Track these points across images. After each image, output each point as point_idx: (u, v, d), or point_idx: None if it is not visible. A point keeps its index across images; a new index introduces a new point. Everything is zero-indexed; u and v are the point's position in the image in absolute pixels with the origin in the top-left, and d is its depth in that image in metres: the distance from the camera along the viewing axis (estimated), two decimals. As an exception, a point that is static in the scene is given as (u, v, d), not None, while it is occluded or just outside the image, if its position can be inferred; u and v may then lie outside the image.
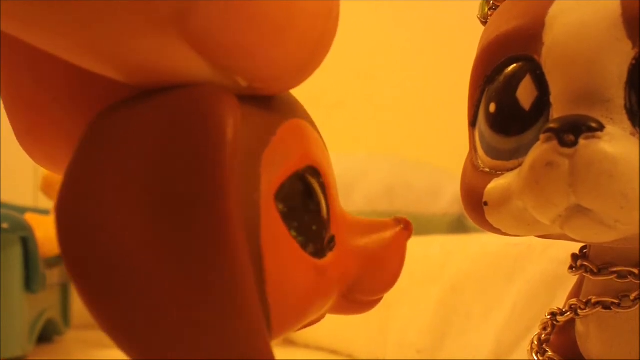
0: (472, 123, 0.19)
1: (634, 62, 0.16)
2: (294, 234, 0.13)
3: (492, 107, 0.18)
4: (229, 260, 0.11)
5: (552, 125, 0.16)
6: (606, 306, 0.18)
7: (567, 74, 0.16)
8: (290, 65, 0.12)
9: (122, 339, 0.11)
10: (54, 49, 0.11)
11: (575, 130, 0.15)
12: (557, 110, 0.17)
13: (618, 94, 0.16)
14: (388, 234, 0.16)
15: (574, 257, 0.20)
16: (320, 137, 0.15)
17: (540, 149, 0.16)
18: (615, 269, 0.18)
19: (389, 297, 0.17)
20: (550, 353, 0.20)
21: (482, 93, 0.19)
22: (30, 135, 0.14)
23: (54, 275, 0.64)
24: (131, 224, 0.11)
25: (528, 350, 0.21)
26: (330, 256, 0.14)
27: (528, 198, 0.16)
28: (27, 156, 0.15)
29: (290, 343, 0.66)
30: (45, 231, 0.60)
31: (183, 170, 0.11)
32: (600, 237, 0.16)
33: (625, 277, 0.18)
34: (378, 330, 0.55)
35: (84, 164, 0.11)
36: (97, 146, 0.11)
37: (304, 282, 0.13)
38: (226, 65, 0.12)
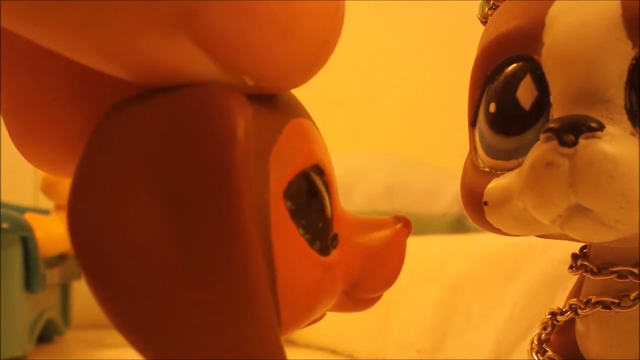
0: (472, 123, 0.19)
1: (634, 62, 0.16)
2: (301, 231, 0.13)
3: (492, 107, 0.18)
4: (243, 258, 0.11)
5: (552, 125, 0.16)
6: (606, 306, 0.18)
7: (567, 74, 0.17)
8: (297, 65, 0.12)
9: (136, 337, 0.11)
10: (61, 48, 0.11)
11: (575, 130, 0.15)
12: (557, 110, 0.17)
13: (618, 94, 0.16)
14: (388, 231, 0.16)
15: (574, 256, 0.20)
16: (321, 136, 0.15)
17: (540, 149, 0.16)
18: (615, 269, 0.18)
19: (389, 297, 0.17)
20: (550, 353, 0.20)
21: (482, 93, 0.19)
22: (27, 136, 0.14)
23: (54, 275, 0.64)
24: (144, 223, 0.11)
25: (528, 350, 0.21)
26: (334, 254, 0.15)
27: (528, 198, 0.16)
28: (27, 156, 0.15)
29: (290, 343, 0.66)
30: (45, 231, 0.60)
31: (195, 168, 0.11)
32: (600, 237, 0.16)
33: (625, 276, 0.18)
34: (378, 330, 0.55)
35: (94, 162, 0.11)
36: (107, 144, 0.11)
37: (312, 279, 0.14)
38: (233, 64, 0.12)
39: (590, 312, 0.19)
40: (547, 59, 0.17)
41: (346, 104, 1.03)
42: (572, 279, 0.21)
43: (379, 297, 0.17)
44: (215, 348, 0.11)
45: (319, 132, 0.15)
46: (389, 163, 0.90)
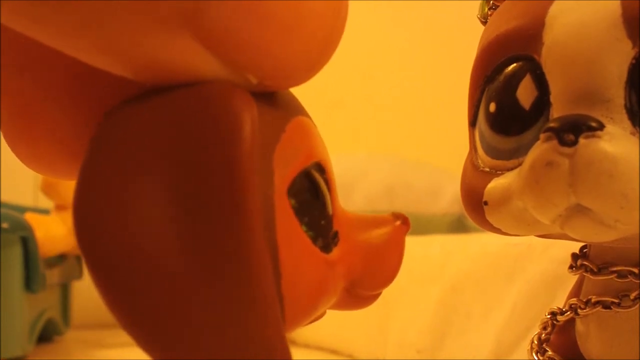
0: (472, 123, 0.19)
1: (634, 61, 0.16)
2: (304, 228, 0.13)
3: (492, 107, 0.18)
4: (249, 256, 0.11)
5: (552, 125, 0.16)
6: (606, 306, 0.18)
7: (567, 73, 0.17)
8: (300, 63, 0.13)
9: (142, 336, 0.11)
10: (64, 47, 0.11)
11: (575, 129, 0.15)
12: (557, 110, 0.17)
13: (618, 94, 0.16)
14: (387, 229, 0.16)
15: (574, 256, 0.20)
16: (319, 134, 0.15)
17: (540, 149, 0.16)
18: (615, 269, 0.18)
19: (389, 296, 0.17)
20: (550, 353, 0.20)
21: (482, 93, 0.19)
22: (23, 137, 0.14)
23: (54, 275, 0.64)
24: (150, 222, 0.11)
25: (528, 350, 0.21)
26: (335, 251, 0.15)
27: (528, 198, 0.16)
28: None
29: (290, 343, 0.66)
30: (45, 231, 0.60)
31: (202, 167, 0.11)
32: (600, 236, 0.16)
33: (625, 276, 0.18)
34: (378, 330, 0.55)
35: (99, 161, 0.11)
36: (111, 143, 0.12)
37: (316, 276, 0.14)
38: (237, 62, 0.12)
39: (590, 312, 0.19)
40: (547, 59, 0.17)
41: (346, 103, 1.03)
42: (572, 279, 0.21)
43: (378, 295, 0.17)
44: (221, 346, 0.11)
45: (318, 130, 0.15)
46: (389, 163, 0.90)
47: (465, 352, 0.46)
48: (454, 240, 0.56)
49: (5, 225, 0.56)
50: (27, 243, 0.58)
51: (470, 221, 0.19)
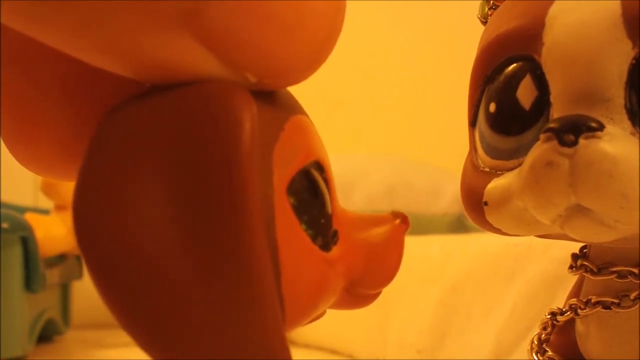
0: (472, 123, 0.19)
1: (634, 62, 0.16)
2: (304, 227, 0.13)
3: (492, 107, 0.18)
4: (250, 256, 0.11)
5: (552, 125, 0.16)
6: (606, 306, 0.18)
7: (567, 73, 0.17)
8: (299, 61, 0.13)
9: (141, 336, 0.11)
10: (64, 46, 0.11)
11: (575, 130, 0.15)
12: (557, 110, 0.17)
13: (618, 94, 0.16)
14: (386, 227, 0.16)
15: (574, 256, 0.20)
16: (318, 133, 0.15)
17: (540, 149, 0.16)
18: (615, 269, 0.18)
19: (389, 296, 0.17)
20: (550, 353, 0.20)
21: (482, 93, 0.19)
22: (21, 138, 0.14)
23: (54, 275, 0.64)
24: (149, 221, 0.11)
25: (528, 350, 0.21)
26: (335, 250, 0.15)
27: (528, 198, 0.16)
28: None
29: (290, 343, 0.66)
30: (45, 231, 0.60)
31: (201, 166, 0.11)
32: (600, 237, 0.16)
33: (625, 276, 0.18)
34: (378, 330, 0.55)
35: (98, 161, 0.11)
36: (111, 143, 0.12)
37: (315, 275, 0.14)
38: (236, 61, 0.12)
39: (590, 312, 0.19)
40: (547, 59, 0.17)
41: (346, 103, 1.04)
42: (572, 279, 0.21)
43: (378, 294, 0.17)
44: (221, 346, 0.11)
45: (316, 129, 0.15)
46: (389, 163, 0.90)
47: (465, 352, 0.46)
48: (454, 240, 0.56)
49: (5, 225, 0.56)
50: (27, 243, 0.58)
51: (470, 221, 0.19)
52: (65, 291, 0.73)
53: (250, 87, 0.12)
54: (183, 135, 0.11)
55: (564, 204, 0.16)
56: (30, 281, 0.58)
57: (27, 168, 0.14)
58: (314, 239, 0.14)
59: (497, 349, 0.43)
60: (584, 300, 0.19)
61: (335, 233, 0.15)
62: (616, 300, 0.18)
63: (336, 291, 0.15)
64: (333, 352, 0.63)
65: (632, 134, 0.16)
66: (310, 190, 0.14)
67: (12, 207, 0.66)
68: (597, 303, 0.19)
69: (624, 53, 0.16)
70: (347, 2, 0.13)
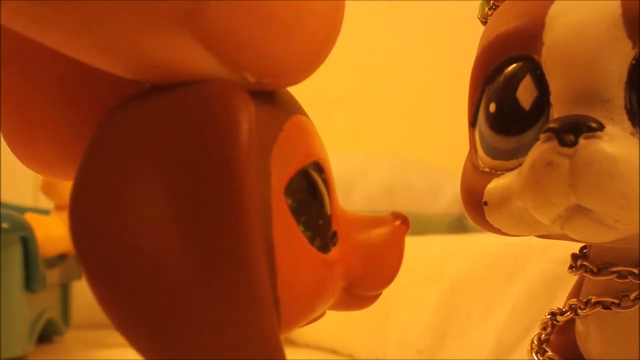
0: (472, 123, 0.19)
1: (634, 62, 0.16)
2: (302, 228, 0.13)
3: (492, 107, 0.18)
4: (245, 256, 0.11)
5: (552, 125, 0.16)
6: (606, 306, 0.18)
7: (567, 73, 0.17)
8: (298, 61, 0.13)
9: (137, 337, 0.11)
10: (64, 47, 0.11)
11: (575, 130, 0.15)
12: (557, 110, 0.17)
13: (618, 94, 0.16)
14: (386, 229, 0.16)
15: (574, 257, 0.20)
16: (318, 134, 0.15)
17: (540, 149, 0.16)
18: (615, 269, 0.18)
19: (389, 296, 0.17)
20: (550, 353, 0.20)
21: (482, 93, 0.19)
22: (23, 138, 0.14)
23: (54, 275, 0.64)
24: (147, 222, 0.11)
25: (528, 350, 0.21)
26: (334, 251, 0.14)
27: (528, 198, 0.16)
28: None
29: (290, 343, 0.66)
30: (45, 231, 0.60)
31: (199, 166, 0.11)
32: (600, 237, 0.16)
33: (625, 277, 0.18)
34: (378, 330, 0.55)
35: (97, 162, 0.11)
36: (109, 144, 0.12)
37: (312, 277, 0.14)
38: (235, 61, 0.12)
39: (590, 312, 0.19)
40: (547, 59, 0.17)
41: (346, 103, 1.04)
42: (572, 279, 0.21)
43: (378, 295, 0.17)
44: (216, 347, 0.11)
45: (316, 130, 0.15)
46: (389, 163, 0.90)
47: (465, 352, 0.46)
48: (454, 240, 0.56)
49: (5, 225, 0.56)
50: (27, 243, 0.58)
51: (470, 221, 0.19)
52: (65, 291, 0.73)
53: (249, 87, 0.12)
54: (181, 135, 0.11)
55: (564, 204, 0.16)
56: (30, 281, 0.58)
57: (29, 167, 0.14)
58: (311, 240, 0.14)
59: (497, 349, 0.43)
60: (584, 301, 0.19)
61: (335, 234, 0.15)
62: (616, 301, 0.18)
63: (335, 293, 0.15)
64: (333, 352, 0.63)
65: (632, 134, 0.16)
66: (309, 191, 0.14)
67: (12, 207, 0.66)
68: (597, 303, 0.19)
69: (624, 53, 0.16)
70: (347, 2, 0.13)
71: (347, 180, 0.81)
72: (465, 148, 0.20)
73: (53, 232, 0.62)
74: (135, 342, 0.11)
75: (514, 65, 0.18)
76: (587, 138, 0.15)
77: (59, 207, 0.69)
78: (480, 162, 0.19)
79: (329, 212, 0.14)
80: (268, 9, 0.11)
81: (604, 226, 0.16)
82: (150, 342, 0.11)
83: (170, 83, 0.12)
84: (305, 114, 0.15)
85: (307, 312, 0.14)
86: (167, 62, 0.12)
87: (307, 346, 0.66)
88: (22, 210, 0.67)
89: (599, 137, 0.15)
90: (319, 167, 0.14)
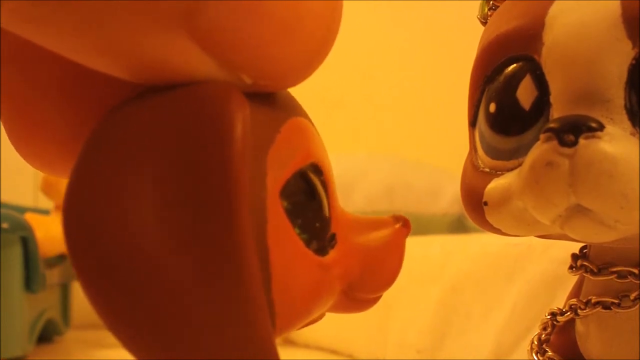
0: (472, 123, 0.19)
1: (634, 62, 0.16)
2: (298, 231, 0.13)
3: (492, 107, 0.18)
4: (237, 258, 0.11)
5: (552, 125, 0.16)
6: (606, 306, 0.18)
7: (567, 74, 0.17)
8: (295, 63, 0.12)
9: (130, 338, 0.11)
10: (61, 49, 0.11)
11: (575, 130, 0.15)
12: (557, 110, 0.17)
13: (618, 94, 0.16)
14: (387, 231, 0.16)
15: (574, 257, 0.20)
16: (319, 135, 0.15)
17: (540, 149, 0.16)
18: (615, 269, 0.18)
19: (389, 297, 0.17)
20: (550, 353, 0.20)
21: (482, 93, 0.19)
22: (25, 137, 0.14)
23: (54, 275, 0.65)
24: (141, 223, 0.11)
25: (528, 350, 0.21)
26: (332, 254, 0.14)
27: (528, 198, 0.16)
28: (27, 156, 0.14)
29: (290, 343, 0.66)
30: (45, 231, 0.60)
31: (192, 168, 0.11)
32: (600, 237, 0.16)
33: (625, 277, 0.18)
34: (378, 330, 0.55)
35: (91, 163, 0.11)
36: (104, 145, 0.11)
37: (308, 280, 0.14)
38: (232, 62, 0.12)
39: (590, 312, 0.19)
40: (547, 59, 0.17)
41: (346, 103, 1.04)
42: (572, 279, 0.21)
43: (378, 298, 0.16)
44: (209, 347, 0.11)
45: (317, 131, 0.15)
46: (389, 163, 0.90)
47: (465, 352, 0.46)
48: (454, 240, 0.56)
49: (5, 225, 0.56)
50: (27, 243, 0.58)
51: (470, 221, 0.19)
52: (65, 291, 0.73)
53: (246, 89, 0.12)
54: (176, 136, 0.11)
55: (564, 204, 0.16)
56: (30, 281, 0.58)
57: (32, 165, 0.14)
58: (308, 243, 0.14)
59: (497, 349, 0.43)
60: (584, 301, 0.19)
61: (333, 236, 0.15)
62: (616, 301, 0.18)
63: (332, 295, 0.15)
64: (333, 352, 0.63)
65: (632, 134, 0.16)
66: (306, 193, 0.14)
67: (12, 207, 0.66)
68: (597, 303, 0.19)
69: (624, 53, 0.16)
70: (347, 2, 0.13)
71: (347, 180, 0.81)
72: (465, 148, 0.20)
73: (53, 232, 0.62)
74: (126, 344, 0.11)
75: (514, 65, 0.18)
76: (587, 138, 0.15)
77: (59, 207, 0.69)
78: (480, 162, 0.19)
79: (327, 214, 0.14)
80: (264, 10, 0.11)
81: (604, 226, 0.16)
82: (140, 343, 0.11)
83: (167, 84, 0.12)
84: (305, 116, 0.14)
85: (303, 314, 0.14)
86: (163, 63, 0.12)
87: (307, 346, 0.66)
88: (22, 210, 0.67)
89: (599, 137, 0.15)
90: (318, 170, 0.14)
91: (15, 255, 0.57)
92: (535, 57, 0.17)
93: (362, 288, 0.16)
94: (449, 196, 0.83)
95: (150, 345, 0.11)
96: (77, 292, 0.75)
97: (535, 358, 0.21)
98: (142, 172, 0.11)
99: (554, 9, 0.17)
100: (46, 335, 0.67)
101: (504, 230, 0.18)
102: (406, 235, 0.17)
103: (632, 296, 0.18)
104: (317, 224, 0.14)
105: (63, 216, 0.11)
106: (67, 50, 0.11)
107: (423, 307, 0.50)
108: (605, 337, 0.19)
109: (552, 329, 0.21)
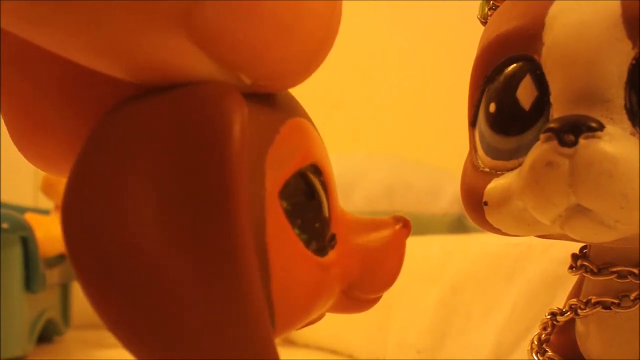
0: (472, 123, 0.19)
1: (634, 62, 0.16)
2: (297, 231, 0.13)
3: (492, 107, 0.18)
4: (236, 258, 0.11)
5: (552, 125, 0.16)
6: (606, 306, 0.18)
7: (567, 73, 0.17)
8: (295, 63, 0.12)
9: (129, 338, 0.11)
10: (60, 49, 0.11)
11: (575, 130, 0.15)
12: (557, 110, 0.17)
13: (618, 94, 0.16)
14: (387, 232, 0.16)
15: (574, 257, 0.20)
16: (319, 136, 0.15)
17: (540, 149, 0.16)
18: (615, 269, 0.18)
19: (389, 297, 0.17)
20: (550, 353, 0.20)
21: (482, 93, 0.19)
22: (25, 136, 0.14)
23: (54, 275, 0.65)
24: (140, 223, 0.11)
25: (528, 350, 0.21)
26: (331, 254, 0.14)
27: (528, 198, 0.16)
28: (27, 156, 0.15)
29: (290, 343, 0.66)
30: (45, 231, 0.60)
31: (191, 168, 0.11)
32: (600, 237, 0.16)
33: (625, 277, 0.18)
34: (378, 330, 0.55)
35: (90, 162, 0.11)
36: (103, 145, 0.12)
37: (307, 280, 0.14)
38: (231, 62, 0.12)
39: (590, 312, 0.19)
40: (547, 59, 0.17)
41: (346, 103, 1.04)
42: (572, 279, 0.21)
43: (378, 298, 0.16)
44: (208, 349, 0.11)
45: (317, 132, 0.15)
46: (389, 163, 0.90)
47: (465, 352, 0.46)
48: (454, 240, 0.56)
49: (5, 225, 0.56)
50: (27, 243, 0.58)
51: (470, 221, 0.19)
52: (65, 291, 0.73)
53: (245, 90, 0.12)
54: (174, 136, 0.11)
55: (564, 204, 0.16)
56: (30, 281, 0.58)
57: (35, 165, 0.14)
58: (307, 243, 0.14)
59: (497, 349, 0.43)
60: (584, 301, 0.19)
61: (333, 237, 0.15)
62: (616, 301, 0.18)
63: (332, 295, 0.15)
64: (333, 352, 0.63)
65: (632, 134, 0.16)
66: (306, 194, 0.14)
67: (12, 207, 0.66)
68: (597, 303, 0.19)
69: (624, 53, 0.16)
70: (347, 2, 0.13)
71: (347, 180, 0.81)
72: (465, 148, 0.20)
73: (53, 232, 0.62)
74: (123, 343, 0.11)
75: (514, 65, 0.18)
76: (587, 138, 0.15)
77: (58, 207, 0.69)
78: (480, 162, 0.19)
79: (327, 214, 0.14)
80: (263, 10, 0.11)
81: (604, 226, 0.16)
82: (140, 343, 0.11)
83: (166, 84, 0.12)
84: (306, 116, 0.14)
85: (302, 314, 0.14)
86: (162, 63, 0.12)
87: (307, 346, 0.66)
88: (22, 210, 0.67)
89: (599, 137, 0.15)
90: (317, 170, 0.14)
91: (15, 255, 0.57)
92: (535, 57, 0.17)
93: (362, 288, 0.16)
94: (449, 196, 0.83)
95: (150, 345, 0.11)
96: (77, 292, 0.75)
97: (535, 358, 0.21)
98: (140, 171, 0.11)
99: (554, 9, 0.17)
100: (46, 335, 0.67)
101: (504, 230, 0.18)
102: (406, 236, 0.17)
103: (632, 296, 0.18)
104: (317, 225, 0.14)
105: (62, 216, 0.11)
106: (67, 50, 0.11)
107: (423, 307, 0.50)
108: (605, 337, 0.19)
109: (552, 329, 0.21)
